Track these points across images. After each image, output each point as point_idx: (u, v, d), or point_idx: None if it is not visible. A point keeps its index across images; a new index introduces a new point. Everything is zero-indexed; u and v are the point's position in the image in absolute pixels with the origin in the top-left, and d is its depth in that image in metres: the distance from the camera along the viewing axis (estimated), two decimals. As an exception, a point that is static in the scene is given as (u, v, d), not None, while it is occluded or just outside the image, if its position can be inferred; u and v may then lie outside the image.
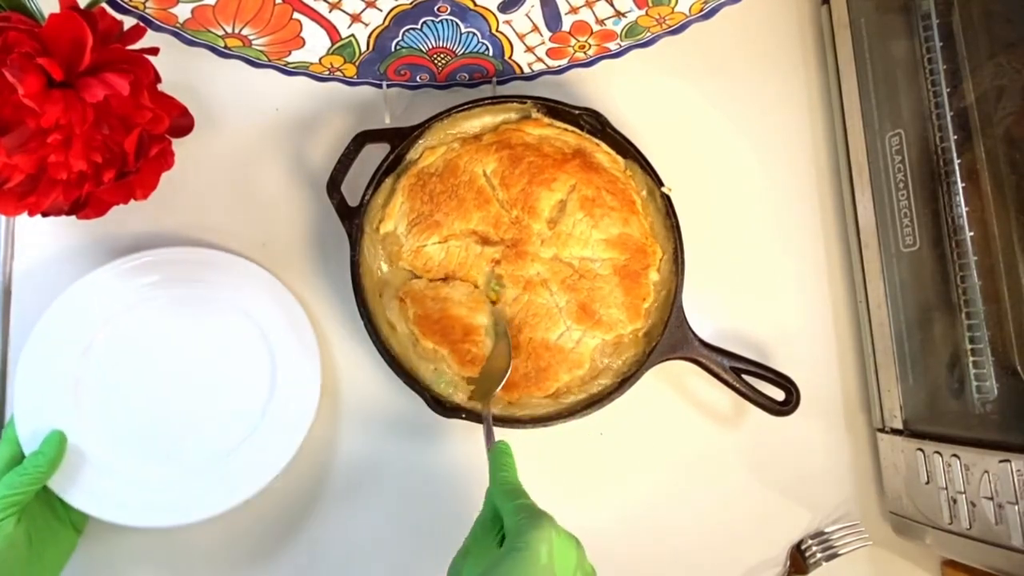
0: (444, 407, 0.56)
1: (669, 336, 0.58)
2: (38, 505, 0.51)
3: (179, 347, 0.58)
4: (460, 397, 0.57)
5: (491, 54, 0.62)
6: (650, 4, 0.58)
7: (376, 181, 0.59)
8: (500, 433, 0.61)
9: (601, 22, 0.60)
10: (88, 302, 0.57)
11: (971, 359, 0.55)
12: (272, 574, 0.60)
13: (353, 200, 0.58)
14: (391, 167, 0.60)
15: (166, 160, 0.56)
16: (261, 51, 0.58)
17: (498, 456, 0.48)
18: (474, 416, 0.56)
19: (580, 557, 0.42)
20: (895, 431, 0.61)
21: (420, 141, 0.60)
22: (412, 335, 0.57)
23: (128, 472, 0.55)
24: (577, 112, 0.61)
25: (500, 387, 0.55)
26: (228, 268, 0.59)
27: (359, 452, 0.62)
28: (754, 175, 0.69)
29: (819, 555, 0.63)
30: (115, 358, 0.57)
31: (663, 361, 0.58)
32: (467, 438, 0.62)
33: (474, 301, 0.58)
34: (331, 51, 0.60)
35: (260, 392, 0.58)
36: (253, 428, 0.58)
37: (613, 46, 0.63)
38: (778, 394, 0.60)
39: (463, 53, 0.62)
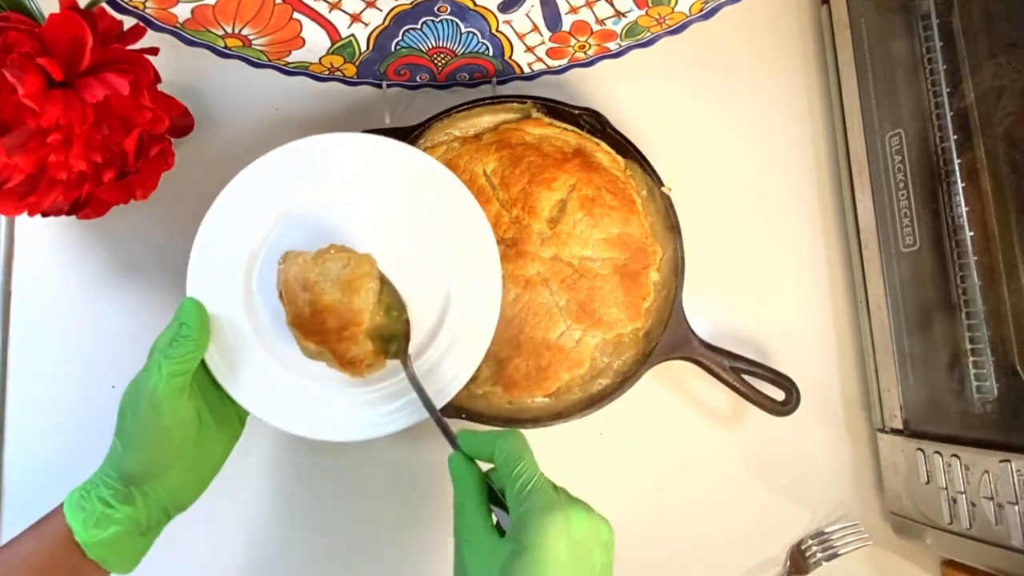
0: (445, 407, 0.56)
1: (669, 336, 0.58)
2: (211, 386, 0.50)
3: (360, 242, 0.51)
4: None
5: (491, 54, 0.62)
6: (650, 4, 0.58)
7: (376, 181, 0.59)
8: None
9: (601, 22, 0.60)
10: (275, 177, 0.52)
11: (971, 359, 0.55)
12: (273, 573, 0.60)
13: (353, 200, 0.58)
14: (391, 167, 0.60)
15: (166, 160, 0.56)
16: (261, 51, 0.58)
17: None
18: (474, 416, 0.56)
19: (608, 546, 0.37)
20: (895, 431, 0.61)
21: (420, 141, 0.60)
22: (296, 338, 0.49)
23: (293, 374, 0.51)
24: (577, 112, 0.61)
25: (408, 341, 0.51)
26: (401, 156, 0.54)
27: (359, 452, 0.62)
28: (754, 175, 0.69)
29: (819, 555, 0.63)
30: (291, 245, 0.51)
31: (663, 361, 0.58)
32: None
33: (351, 277, 0.48)
34: (331, 51, 0.60)
35: (438, 295, 0.53)
36: (432, 335, 0.52)
37: (613, 46, 0.63)
38: (778, 394, 0.60)
39: (463, 53, 0.62)
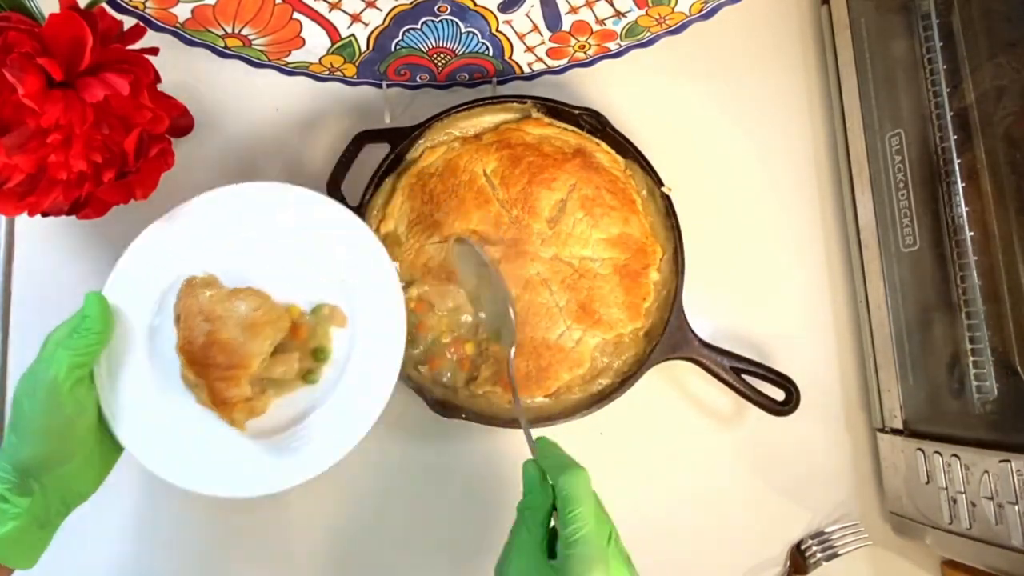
0: (445, 407, 0.56)
1: (669, 336, 0.58)
2: None
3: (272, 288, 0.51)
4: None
5: (491, 54, 0.62)
6: (650, 4, 0.58)
7: (376, 181, 0.59)
8: (501, 433, 0.61)
9: (601, 22, 0.60)
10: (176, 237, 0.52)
11: (971, 359, 0.55)
12: (273, 573, 0.60)
13: (353, 200, 0.58)
14: (391, 167, 0.60)
15: (166, 160, 0.56)
16: (261, 51, 0.58)
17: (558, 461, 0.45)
18: (475, 416, 0.56)
19: None
20: (895, 431, 0.61)
21: (420, 141, 0.60)
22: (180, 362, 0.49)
23: (183, 424, 0.50)
24: (577, 112, 0.61)
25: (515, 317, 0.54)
26: (300, 205, 0.53)
27: (359, 453, 0.62)
28: (754, 175, 0.69)
29: (819, 555, 0.63)
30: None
31: (663, 361, 0.58)
32: (468, 439, 0.62)
33: (257, 321, 0.48)
34: (331, 51, 0.60)
35: (338, 349, 0.52)
36: (329, 388, 0.51)
37: (613, 46, 0.63)
38: (778, 394, 0.60)
39: (463, 53, 0.62)
